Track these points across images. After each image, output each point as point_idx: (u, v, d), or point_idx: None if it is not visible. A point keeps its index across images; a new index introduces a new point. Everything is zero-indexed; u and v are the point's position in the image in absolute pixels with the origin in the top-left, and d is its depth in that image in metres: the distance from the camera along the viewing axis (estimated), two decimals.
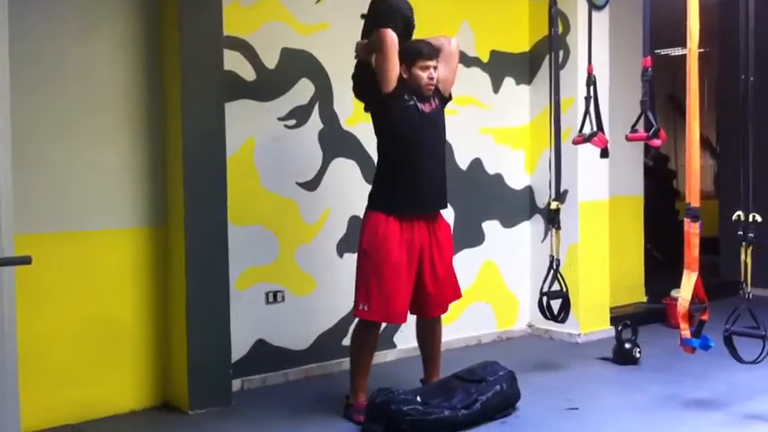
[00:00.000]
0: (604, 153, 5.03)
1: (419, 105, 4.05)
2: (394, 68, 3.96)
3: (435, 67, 4.06)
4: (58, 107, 4.12)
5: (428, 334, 4.37)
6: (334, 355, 5.05)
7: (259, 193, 4.83)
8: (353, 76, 4.26)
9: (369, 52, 4.07)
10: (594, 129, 4.96)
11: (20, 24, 3.96)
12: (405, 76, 4.03)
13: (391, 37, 3.93)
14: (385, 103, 4.02)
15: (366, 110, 4.22)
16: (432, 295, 4.17)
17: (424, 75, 4.02)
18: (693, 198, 4.16)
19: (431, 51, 4.06)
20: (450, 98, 4.28)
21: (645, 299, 7.08)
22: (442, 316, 4.39)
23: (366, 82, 4.11)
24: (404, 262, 4.03)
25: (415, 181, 4.05)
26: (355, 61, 4.23)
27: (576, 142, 5.07)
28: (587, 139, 4.95)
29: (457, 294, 4.35)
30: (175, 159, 4.35)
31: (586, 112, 5.00)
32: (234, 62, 4.67)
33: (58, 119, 4.12)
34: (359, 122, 5.00)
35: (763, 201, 4.28)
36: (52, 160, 4.11)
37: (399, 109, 4.02)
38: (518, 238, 6.21)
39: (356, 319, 4.22)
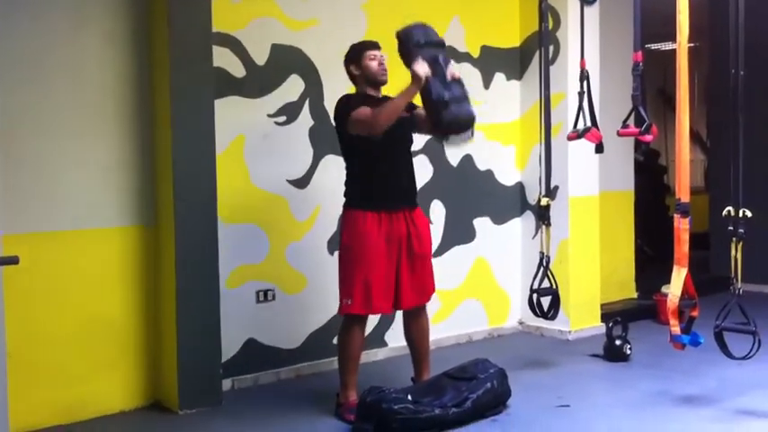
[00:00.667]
0: (599, 148, 5.00)
1: None
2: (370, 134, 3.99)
3: (382, 56, 4.15)
4: (46, 105, 4.09)
5: (414, 329, 4.36)
6: (325, 354, 5.02)
7: (249, 191, 4.81)
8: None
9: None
10: (588, 124, 4.95)
11: (6, 22, 3.93)
12: (356, 72, 4.16)
13: (397, 108, 3.92)
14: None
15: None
16: (412, 284, 4.18)
17: (373, 63, 4.14)
18: (683, 193, 4.16)
19: (374, 43, 4.22)
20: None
21: (635, 295, 7.09)
22: (433, 314, 4.39)
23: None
24: (383, 251, 4.06)
25: (385, 182, 4.11)
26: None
27: (570, 138, 5.04)
28: (581, 134, 4.93)
29: (432, 287, 4.35)
30: (165, 157, 4.33)
31: (580, 107, 4.98)
32: (223, 58, 4.65)
33: (45, 117, 4.08)
34: None
35: (753, 196, 4.29)
36: (40, 159, 4.07)
37: None
38: (509, 234, 6.20)
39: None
